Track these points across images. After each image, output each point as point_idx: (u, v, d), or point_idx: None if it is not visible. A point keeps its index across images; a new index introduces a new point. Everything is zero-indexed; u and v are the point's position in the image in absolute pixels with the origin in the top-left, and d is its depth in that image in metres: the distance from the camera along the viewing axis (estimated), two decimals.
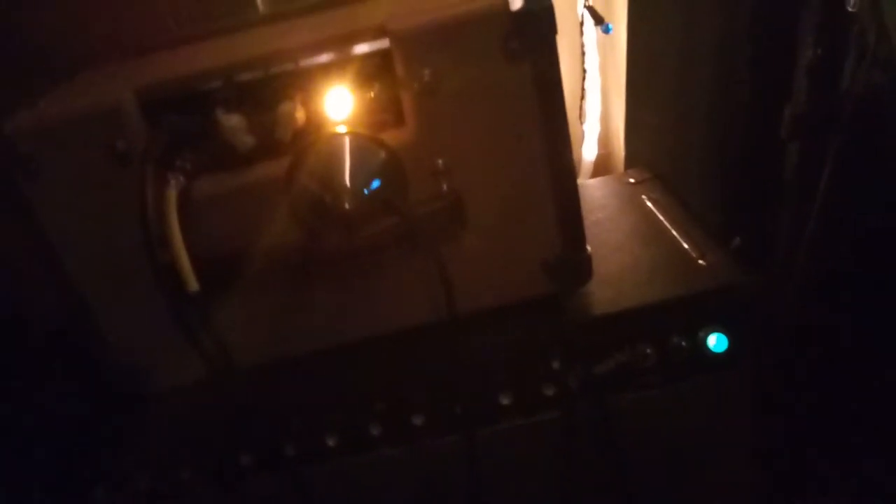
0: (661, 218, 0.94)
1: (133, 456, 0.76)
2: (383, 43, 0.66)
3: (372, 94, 0.68)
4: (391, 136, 0.68)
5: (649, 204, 0.98)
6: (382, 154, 0.68)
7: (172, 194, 0.63)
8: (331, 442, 0.76)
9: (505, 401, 0.76)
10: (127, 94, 0.65)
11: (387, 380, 0.76)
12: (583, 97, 1.17)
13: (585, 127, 1.18)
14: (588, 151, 1.19)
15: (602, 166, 1.23)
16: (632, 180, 1.06)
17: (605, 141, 1.21)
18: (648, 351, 0.77)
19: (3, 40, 0.88)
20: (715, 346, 0.77)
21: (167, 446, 0.76)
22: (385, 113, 0.69)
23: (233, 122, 0.66)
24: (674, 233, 0.90)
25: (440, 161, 0.69)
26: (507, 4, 0.63)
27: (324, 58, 0.66)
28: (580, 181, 1.18)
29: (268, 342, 0.73)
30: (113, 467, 0.76)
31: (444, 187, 0.70)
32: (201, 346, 0.61)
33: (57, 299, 0.84)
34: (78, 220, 0.68)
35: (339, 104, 0.68)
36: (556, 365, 0.76)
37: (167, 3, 0.99)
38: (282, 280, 0.71)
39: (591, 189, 1.06)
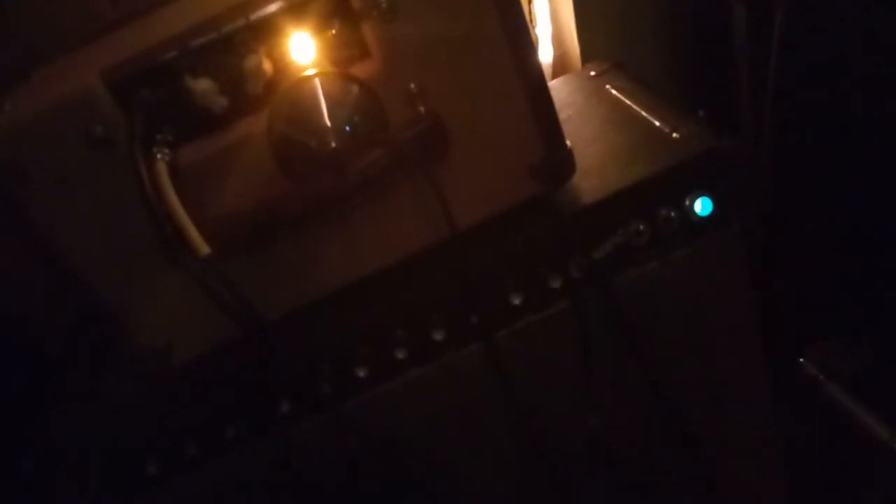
0: (629, 103, 0.96)
1: (178, 425, 0.79)
2: None
3: (333, 32, 0.68)
4: (360, 69, 0.70)
5: (614, 92, 1.01)
6: (355, 88, 0.69)
7: (163, 168, 0.64)
8: (362, 374, 0.79)
9: (516, 301, 0.80)
10: (93, 79, 0.65)
11: (403, 305, 0.79)
12: (530, 1, 1.17)
13: (537, 30, 1.19)
14: (544, 54, 1.20)
15: (560, 66, 1.25)
16: (592, 73, 1.08)
17: (558, 41, 1.22)
18: (641, 227, 0.80)
19: None
20: (702, 210, 0.81)
21: (208, 410, 0.79)
22: (350, 47, 0.70)
23: (203, 86, 0.67)
24: (643, 114, 0.92)
25: (412, 85, 0.71)
26: None
27: (277, 4, 0.67)
28: None
29: (282, 293, 0.76)
30: (160, 439, 0.79)
31: (422, 109, 0.72)
32: (225, 305, 0.63)
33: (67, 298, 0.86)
34: (74, 212, 0.69)
35: (303, 48, 0.68)
36: (557, 258, 0.80)
37: None
38: (283, 231, 0.73)
39: (555, 90, 1.07)
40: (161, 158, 0.65)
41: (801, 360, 1.08)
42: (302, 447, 0.79)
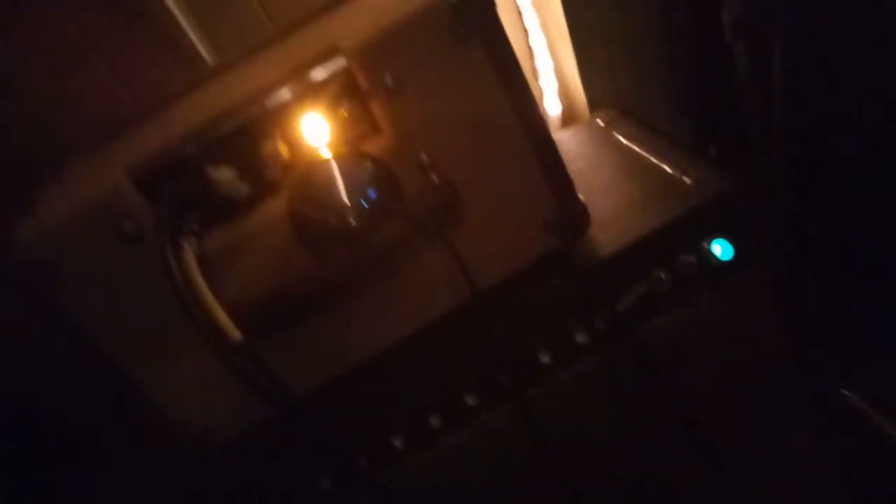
0: (638, 150, 0.98)
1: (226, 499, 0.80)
2: (340, 62, 0.69)
3: (344, 112, 0.71)
4: (373, 145, 0.72)
5: (623, 140, 1.02)
6: (369, 164, 0.71)
7: (191, 257, 0.66)
8: (398, 443, 0.80)
9: (545, 359, 0.80)
10: (120, 177, 0.68)
11: (433, 371, 0.79)
12: (532, 56, 1.20)
13: (542, 83, 1.22)
14: (551, 107, 1.23)
15: (569, 117, 1.27)
16: (600, 122, 1.10)
17: (564, 92, 1.25)
18: (662, 276, 0.81)
19: None
20: (721, 253, 0.81)
21: (250, 488, 0.80)
22: (361, 125, 0.72)
23: (224, 175, 0.70)
24: (653, 160, 0.93)
25: (423, 156, 0.73)
26: None
27: (289, 92, 0.69)
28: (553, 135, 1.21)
29: (313, 368, 0.77)
30: None
31: (434, 178, 0.73)
32: (258, 386, 0.64)
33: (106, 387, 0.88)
34: (108, 304, 0.71)
35: (316, 130, 0.71)
36: (581, 312, 0.80)
37: (119, 81, 1.02)
38: (310, 307, 0.74)
39: (564, 141, 1.10)
40: (188, 248, 0.67)
41: (844, 390, 1.06)
42: None
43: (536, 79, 1.21)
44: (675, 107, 1.22)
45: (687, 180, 0.86)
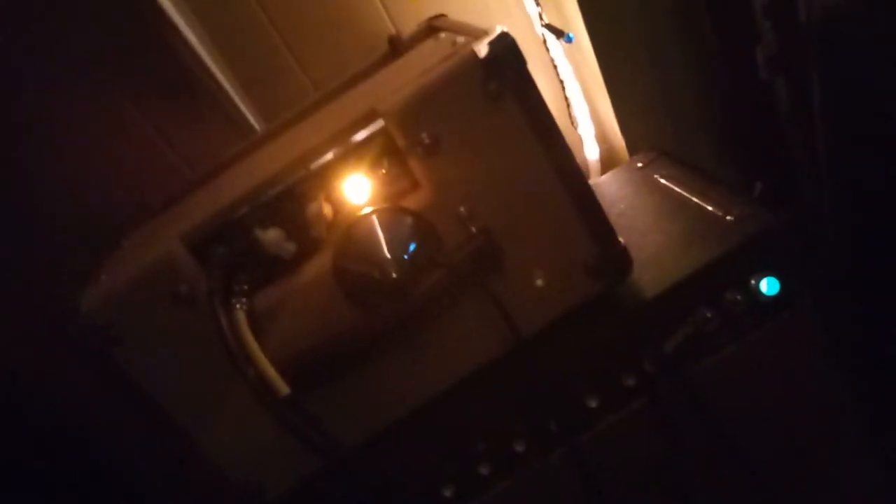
0: (679, 190, 0.98)
1: None
2: (378, 124, 0.72)
3: (383, 171, 0.74)
4: (412, 201, 0.74)
5: (663, 181, 1.02)
6: (409, 219, 0.74)
7: (242, 317, 0.69)
8: (448, 493, 0.80)
9: (592, 403, 0.79)
10: (175, 244, 0.72)
11: (480, 419, 0.80)
12: (568, 105, 1.22)
13: (580, 131, 1.23)
14: (590, 152, 1.24)
15: (608, 161, 1.28)
16: (640, 164, 1.10)
17: (603, 137, 1.26)
18: (708, 315, 0.80)
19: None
20: (768, 290, 0.80)
21: None
22: (400, 182, 0.75)
23: (271, 236, 0.73)
24: (695, 200, 0.93)
25: (462, 208, 0.75)
26: (475, 55, 0.69)
27: (331, 155, 0.73)
28: (592, 181, 1.22)
29: (361, 420, 0.78)
30: None
31: (473, 229, 0.75)
32: (308, 440, 0.66)
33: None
34: (166, 367, 0.75)
35: (358, 189, 0.74)
36: (628, 355, 0.80)
37: (176, 154, 1.08)
38: (357, 360, 0.76)
39: (605, 185, 1.11)
40: (240, 308, 0.70)
41: None
42: None
43: (575, 127, 1.23)
44: (714, 145, 1.22)
45: (729, 218, 0.86)
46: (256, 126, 1.10)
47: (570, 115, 1.22)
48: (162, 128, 1.09)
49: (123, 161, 1.08)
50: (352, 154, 0.73)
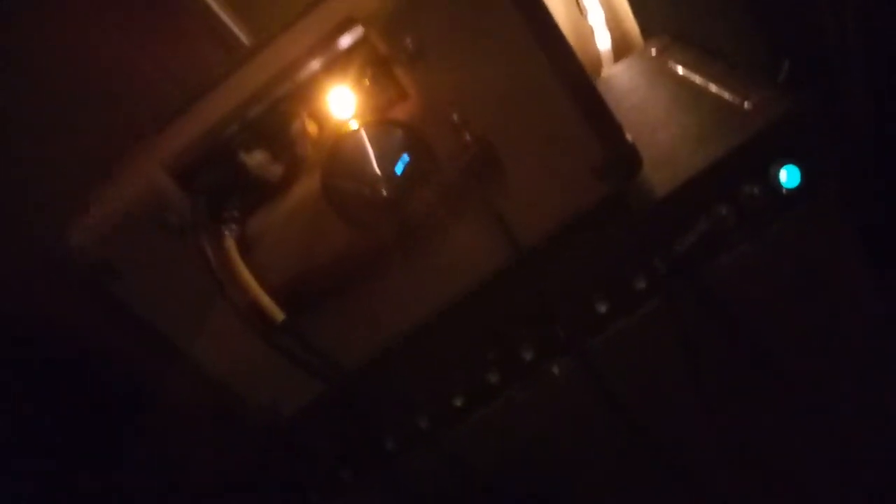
0: (694, 78, 0.91)
1: (299, 470, 0.83)
2: (357, 31, 0.67)
3: (367, 81, 0.69)
4: (400, 112, 0.70)
5: (678, 69, 0.95)
6: (399, 131, 0.70)
7: (231, 244, 0.68)
8: (459, 403, 0.80)
9: (602, 308, 0.77)
10: (158, 173, 0.70)
11: (488, 329, 0.78)
12: None
13: (590, 19, 1.15)
14: (601, 41, 1.16)
15: (622, 47, 1.20)
16: (654, 52, 1.03)
17: (615, 23, 1.17)
18: (724, 211, 0.76)
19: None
20: (788, 181, 0.75)
21: (320, 455, 0.82)
22: (386, 93, 0.70)
23: (256, 158, 0.70)
24: (711, 88, 0.87)
25: (455, 116, 0.70)
26: None
27: (309, 68, 0.68)
28: (605, 73, 1.15)
29: (366, 338, 0.78)
30: (285, 486, 0.83)
31: (468, 137, 0.71)
32: (307, 365, 0.66)
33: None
34: (166, 296, 0.74)
35: (342, 102, 0.70)
36: (638, 257, 0.76)
37: (165, 75, 1.04)
38: (356, 279, 0.74)
39: (617, 77, 1.04)
40: (229, 235, 0.68)
41: None
42: (409, 481, 0.81)
43: (584, 16, 1.15)
44: (737, 22, 1.13)
45: (747, 105, 0.80)
46: (246, 41, 1.05)
47: (578, 2, 1.14)
48: (149, 51, 1.04)
49: (114, 89, 1.04)
50: (332, 66, 0.68)
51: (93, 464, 1.00)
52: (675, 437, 0.80)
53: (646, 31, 1.14)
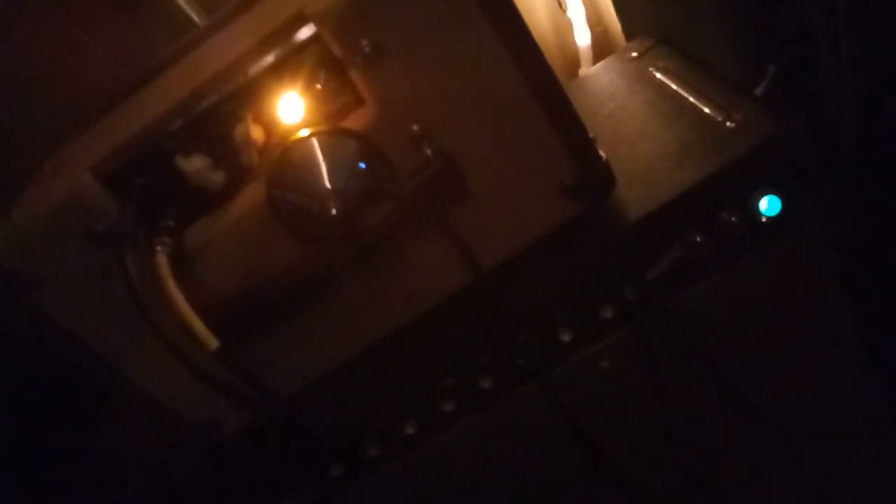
0: (675, 87, 0.86)
1: (238, 499, 0.78)
2: (310, 29, 0.61)
3: (319, 86, 0.63)
4: (355, 120, 0.64)
5: (658, 75, 0.90)
6: (353, 142, 0.64)
7: (163, 259, 0.61)
8: (410, 430, 0.75)
9: (566, 337, 0.73)
10: (84, 176, 0.63)
11: (444, 355, 0.73)
12: None
13: (570, 13, 1.09)
14: (581, 37, 1.10)
15: (603, 45, 1.14)
16: (634, 54, 0.97)
17: (596, 19, 1.11)
18: (698, 239, 0.71)
19: None
20: (768, 209, 0.71)
21: (263, 480, 0.77)
22: (340, 98, 0.64)
23: (195, 164, 0.64)
24: (692, 100, 0.82)
25: (415, 126, 0.65)
26: None
27: (256, 67, 0.62)
28: (583, 72, 1.09)
29: (311, 360, 0.72)
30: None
31: (428, 152, 0.65)
32: (244, 399, 0.60)
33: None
34: (96, 311, 0.68)
35: (291, 107, 0.63)
36: (607, 284, 0.72)
37: (113, 58, 0.96)
38: (300, 299, 0.69)
39: (595, 79, 0.98)
40: (162, 250, 0.62)
41: None
42: None
43: (563, 10, 1.08)
44: (721, 28, 1.08)
45: (730, 124, 0.75)
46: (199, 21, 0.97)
47: None
48: (96, 31, 0.96)
49: (58, 69, 0.96)
50: (280, 66, 0.62)
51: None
52: (637, 470, 0.77)
53: (628, 30, 1.08)
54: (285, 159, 0.63)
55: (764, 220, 0.71)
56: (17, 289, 0.64)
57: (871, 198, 0.75)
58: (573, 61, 1.12)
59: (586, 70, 1.08)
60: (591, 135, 0.70)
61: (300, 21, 0.61)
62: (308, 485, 0.76)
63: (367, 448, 0.75)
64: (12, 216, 0.67)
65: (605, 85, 0.96)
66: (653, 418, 0.75)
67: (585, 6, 1.07)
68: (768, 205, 0.71)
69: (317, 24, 0.60)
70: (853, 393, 0.78)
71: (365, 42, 0.60)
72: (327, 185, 0.63)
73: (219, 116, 0.63)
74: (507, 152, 0.68)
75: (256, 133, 0.64)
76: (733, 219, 0.71)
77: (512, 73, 0.64)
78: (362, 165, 0.64)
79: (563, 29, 1.09)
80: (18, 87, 0.94)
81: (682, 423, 0.76)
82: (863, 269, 0.75)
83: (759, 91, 0.85)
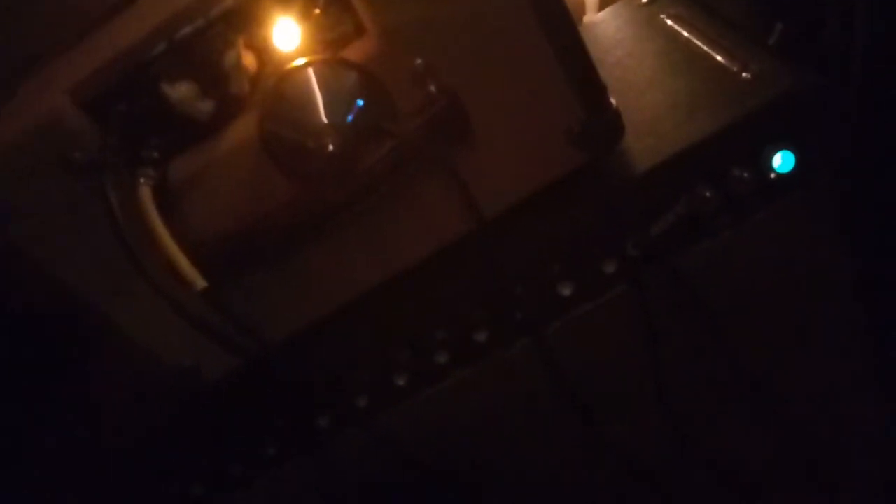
0: (688, 35, 0.82)
1: (220, 447, 0.76)
2: None
3: (317, 11, 0.59)
4: (356, 51, 0.60)
5: (670, 22, 0.86)
6: (352, 74, 0.60)
7: (147, 192, 0.58)
8: (401, 381, 0.73)
9: (565, 291, 0.70)
10: (63, 100, 0.58)
11: (439, 305, 0.71)
12: None
13: None
14: None
15: None
16: (644, 0, 0.93)
17: None
18: (708, 194, 0.68)
19: None
20: (781, 166, 0.68)
21: (248, 428, 0.75)
22: (341, 27, 0.60)
23: (181, 91, 0.59)
24: (705, 49, 0.78)
25: (419, 61, 0.60)
26: None
27: None
28: (587, 19, 1.05)
29: (304, 305, 0.69)
30: (204, 462, 0.76)
31: (433, 88, 0.61)
32: (229, 342, 0.57)
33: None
34: (73, 245, 0.64)
35: (286, 34, 0.59)
36: (610, 238, 0.69)
37: None
38: (291, 241, 0.65)
39: (603, 25, 0.94)
40: (145, 182, 0.58)
41: None
42: (342, 461, 0.75)
43: None
44: None
45: (746, 75, 0.72)
46: None
47: None
48: None
49: None
50: None
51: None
52: (628, 432, 0.75)
53: None
54: (279, 90, 0.59)
55: (776, 176, 0.68)
56: None
57: (879, 162, 0.72)
58: (577, 8, 1.07)
59: (591, 17, 1.03)
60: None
61: None
62: (293, 436, 0.74)
63: (356, 399, 0.73)
64: None
65: (612, 31, 0.92)
66: (646, 377, 0.73)
67: None
68: (782, 161, 0.68)
69: None
70: (857, 359, 0.77)
71: None
72: (324, 119, 0.59)
73: (208, 40, 0.59)
74: (515, 94, 0.64)
75: (248, 60, 0.60)
76: (745, 174, 0.68)
77: (524, 9, 0.60)
78: (362, 99, 0.60)
79: None
80: None
81: (679, 384, 0.74)
82: (871, 229, 0.73)
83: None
